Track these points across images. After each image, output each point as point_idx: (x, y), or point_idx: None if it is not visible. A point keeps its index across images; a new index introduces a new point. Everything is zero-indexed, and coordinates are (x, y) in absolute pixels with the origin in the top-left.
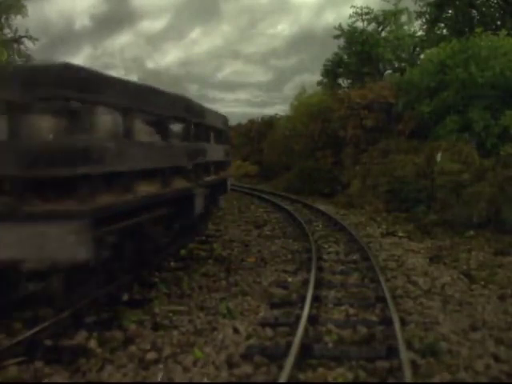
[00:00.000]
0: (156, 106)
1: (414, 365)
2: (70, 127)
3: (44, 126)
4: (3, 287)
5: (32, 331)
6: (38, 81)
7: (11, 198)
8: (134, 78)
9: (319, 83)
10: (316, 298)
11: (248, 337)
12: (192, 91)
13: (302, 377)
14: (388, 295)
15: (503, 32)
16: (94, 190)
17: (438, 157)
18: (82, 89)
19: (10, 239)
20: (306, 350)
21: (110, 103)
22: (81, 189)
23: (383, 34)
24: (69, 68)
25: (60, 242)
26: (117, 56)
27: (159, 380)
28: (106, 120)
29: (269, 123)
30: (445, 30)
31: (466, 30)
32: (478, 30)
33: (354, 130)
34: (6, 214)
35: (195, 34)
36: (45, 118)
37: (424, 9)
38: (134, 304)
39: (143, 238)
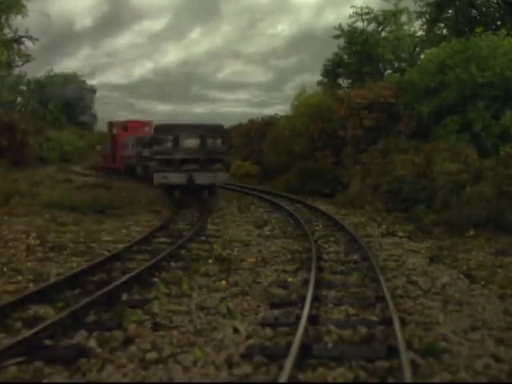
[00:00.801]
0: (228, 134)
1: (414, 365)
2: (219, 143)
3: (211, 142)
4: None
5: (32, 331)
6: (210, 129)
7: (201, 165)
8: (134, 78)
9: (319, 83)
10: (316, 298)
11: (248, 337)
12: (192, 91)
13: (301, 377)
14: (388, 295)
15: (503, 32)
16: (224, 162)
17: None
18: (221, 132)
19: (206, 176)
20: (306, 350)
21: (224, 136)
22: (223, 161)
23: (383, 34)
24: (218, 125)
25: (221, 176)
26: (117, 56)
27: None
28: (224, 140)
29: (269, 123)
30: (445, 30)
31: (466, 29)
32: (477, 29)
33: (354, 130)
34: (201, 169)
35: (195, 34)
36: (211, 140)
37: (424, 9)
38: (134, 304)
39: None
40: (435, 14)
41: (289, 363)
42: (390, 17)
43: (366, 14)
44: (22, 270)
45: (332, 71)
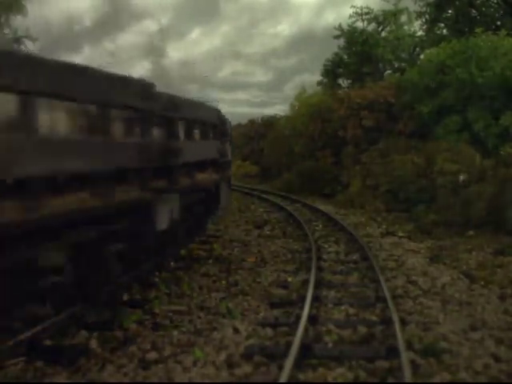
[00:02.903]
0: None
1: (414, 365)
2: None
3: None
4: None
5: (32, 331)
6: None
7: None
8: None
9: (319, 83)
10: (316, 298)
11: (248, 337)
12: (192, 91)
13: (301, 377)
14: (388, 295)
15: (503, 32)
16: None
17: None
18: None
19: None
20: (306, 350)
21: None
22: None
23: (383, 34)
24: None
25: None
26: (117, 56)
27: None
28: None
29: (269, 123)
30: (445, 30)
31: (466, 30)
32: (478, 29)
33: (354, 130)
34: None
35: (195, 34)
36: None
37: (424, 9)
38: (134, 304)
39: None
40: (435, 14)
41: (289, 363)
42: (389, 17)
43: (366, 14)
44: None
45: (332, 71)
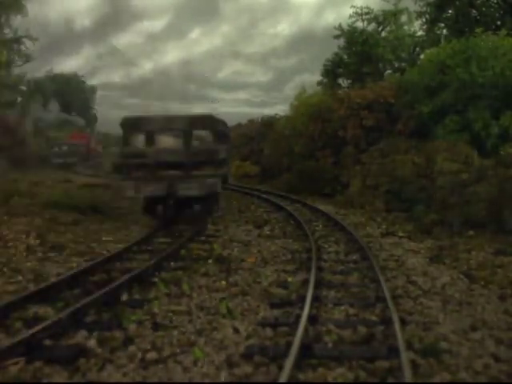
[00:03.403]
0: None
1: (414, 365)
2: None
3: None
4: None
5: (32, 331)
6: None
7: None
8: (134, 78)
9: (319, 83)
10: (316, 298)
11: (248, 337)
12: (192, 91)
13: (301, 377)
14: (388, 295)
15: (503, 32)
16: None
17: None
18: None
19: None
20: (306, 350)
21: None
22: None
23: (383, 34)
24: None
25: None
26: (117, 56)
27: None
28: None
29: (269, 123)
30: (445, 30)
31: (466, 30)
32: (478, 29)
33: (354, 130)
34: None
35: (195, 34)
36: None
37: (424, 9)
38: (134, 304)
39: None
40: (435, 14)
41: (289, 363)
42: (390, 17)
43: (366, 14)
44: (22, 269)
45: (332, 71)
